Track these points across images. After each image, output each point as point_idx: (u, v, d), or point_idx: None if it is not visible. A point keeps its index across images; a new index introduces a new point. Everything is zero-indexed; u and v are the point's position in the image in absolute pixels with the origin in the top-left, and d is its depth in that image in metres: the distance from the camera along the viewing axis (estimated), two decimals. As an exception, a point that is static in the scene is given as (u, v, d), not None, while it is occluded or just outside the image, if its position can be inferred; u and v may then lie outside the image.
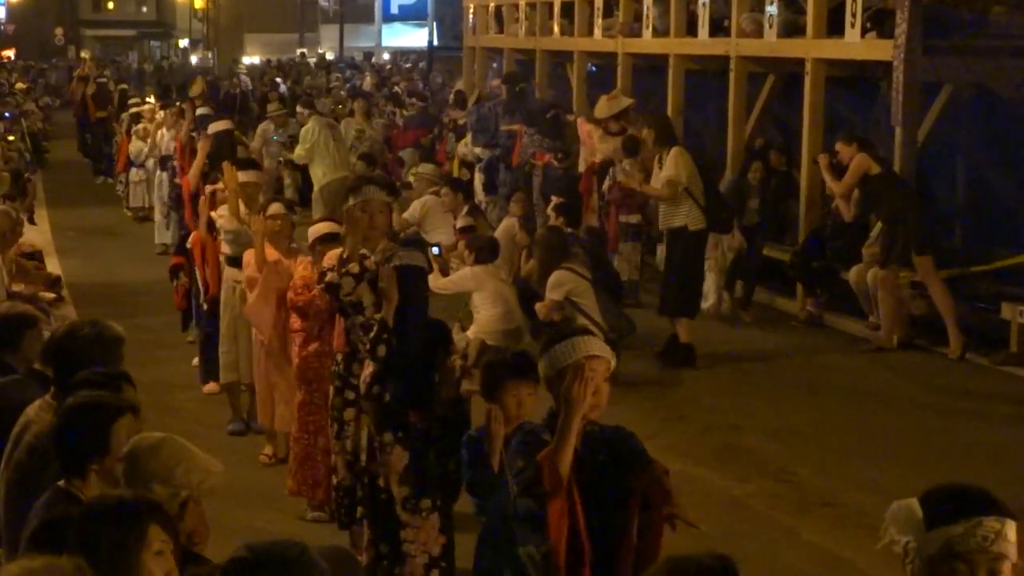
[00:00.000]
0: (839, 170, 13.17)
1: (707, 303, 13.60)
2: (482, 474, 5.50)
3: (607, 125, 15.92)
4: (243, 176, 10.45)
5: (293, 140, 19.85)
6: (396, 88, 30.02)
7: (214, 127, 14.48)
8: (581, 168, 15.75)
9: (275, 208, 9.42)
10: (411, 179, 16.71)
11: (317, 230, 8.63)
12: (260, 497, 8.81)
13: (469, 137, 19.06)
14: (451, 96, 23.15)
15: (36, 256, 12.66)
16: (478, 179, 18.41)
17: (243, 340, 10.02)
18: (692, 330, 12.36)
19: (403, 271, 6.71)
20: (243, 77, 37.01)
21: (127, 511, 3.97)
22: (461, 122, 20.51)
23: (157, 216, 18.33)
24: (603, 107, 16.13)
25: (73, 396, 4.93)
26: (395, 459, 6.70)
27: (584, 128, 16.34)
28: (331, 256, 7.70)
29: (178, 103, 19.41)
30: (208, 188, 11.59)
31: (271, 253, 9.23)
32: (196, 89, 19.25)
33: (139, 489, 4.37)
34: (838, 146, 13.22)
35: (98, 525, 3.94)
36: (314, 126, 18.24)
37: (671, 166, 12.23)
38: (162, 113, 19.55)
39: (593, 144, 15.86)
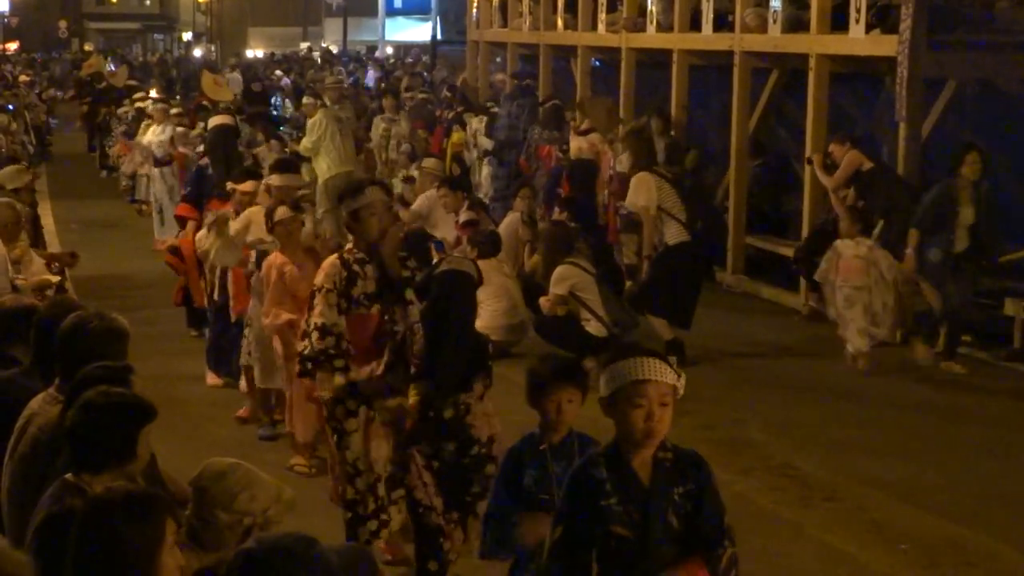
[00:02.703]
0: (834, 170, 13.30)
1: (852, 346, 11.93)
2: (506, 523, 5.42)
3: (575, 125, 16.10)
4: (278, 179, 10.28)
5: (299, 132, 19.89)
6: (385, 84, 29.87)
7: (214, 121, 14.49)
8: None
9: (281, 212, 9.20)
10: (414, 173, 16.74)
11: None
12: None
13: (477, 127, 19.07)
14: (445, 90, 23.24)
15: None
16: (486, 170, 18.44)
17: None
18: (665, 327, 12.29)
19: (450, 276, 6.52)
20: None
21: (144, 509, 3.89)
22: (450, 116, 20.62)
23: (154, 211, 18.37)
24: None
25: (95, 392, 4.82)
26: (428, 471, 6.55)
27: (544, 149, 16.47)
28: (326, 267, 7.39)
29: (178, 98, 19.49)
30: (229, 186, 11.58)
31: (279, 258, 9.12)
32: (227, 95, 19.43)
33: (203, 514, 4.36)
34: (832, 147, 13.47)
35: (118, 525, 3.84)
36: (321, 118, 18.22)
37: (631, 195, 12.32)
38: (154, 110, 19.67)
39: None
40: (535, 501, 5.46)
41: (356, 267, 7.28)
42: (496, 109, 19.06)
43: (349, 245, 7.51)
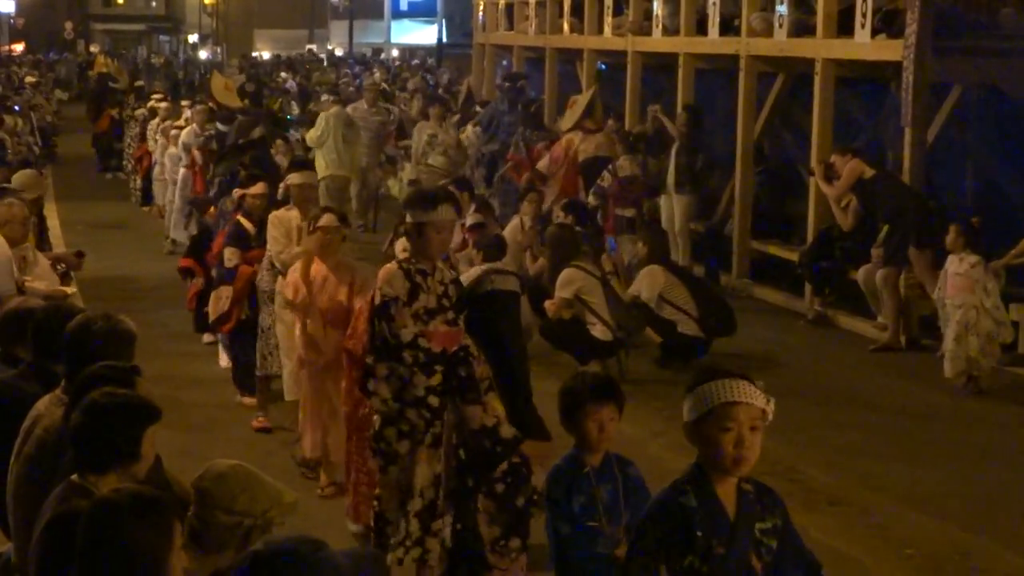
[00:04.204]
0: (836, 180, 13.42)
1: (953, 369, 11.37)
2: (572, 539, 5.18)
3: (583, 125, 16.10)
4: (297, 178, 10.00)
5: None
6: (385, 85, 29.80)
7: (258, 132, 14.47)
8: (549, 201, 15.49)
9: (327, 219, 8.89)
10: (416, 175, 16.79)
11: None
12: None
13: (472, 128, 19.19)
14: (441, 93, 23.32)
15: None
16: (478, 173, 18.53)
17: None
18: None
19: (495, 297, 6.19)
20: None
21: (156, 512, 3.89)
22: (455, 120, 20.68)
23: (171, 213, 18.29)
24: (567, 119, 16.47)
25: (100, 393, 4.81)
26: (489, 498, 6.22)
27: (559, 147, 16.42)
28: (389, 276, 6.96)
29: (194, 100, 19.49)
30: (237, 192, 11.51)
31: (318, 270, 8.88)
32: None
33: (204, 516, 4.36)
34: (833, 157, 13.56)
35: (131, 528, 3.84)
36: (330, 117, 18.32)
37: (635, 283, 12.32)
38: (189, 111, 19.59)
39: (572, 153, 16.01)
40: (583, 529, 5.20)
41: (418, 278, 6.91)
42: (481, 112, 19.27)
43: (407, 254, 7.21)
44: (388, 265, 7.11)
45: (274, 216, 10.01)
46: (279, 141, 17.55)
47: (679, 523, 4.08)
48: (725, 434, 4.06)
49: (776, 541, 4.17)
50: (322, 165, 18.04)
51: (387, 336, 6.75)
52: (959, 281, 11.30)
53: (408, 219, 7.04)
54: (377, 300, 6.92)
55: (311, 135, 18.40)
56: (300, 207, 9.82)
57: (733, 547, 4.09)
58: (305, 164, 10.72)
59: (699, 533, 4.07)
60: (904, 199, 12.89)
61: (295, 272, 8.98)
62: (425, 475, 6.63)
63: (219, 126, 17.48)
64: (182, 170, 17.68)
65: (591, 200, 15.21)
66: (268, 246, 10.01)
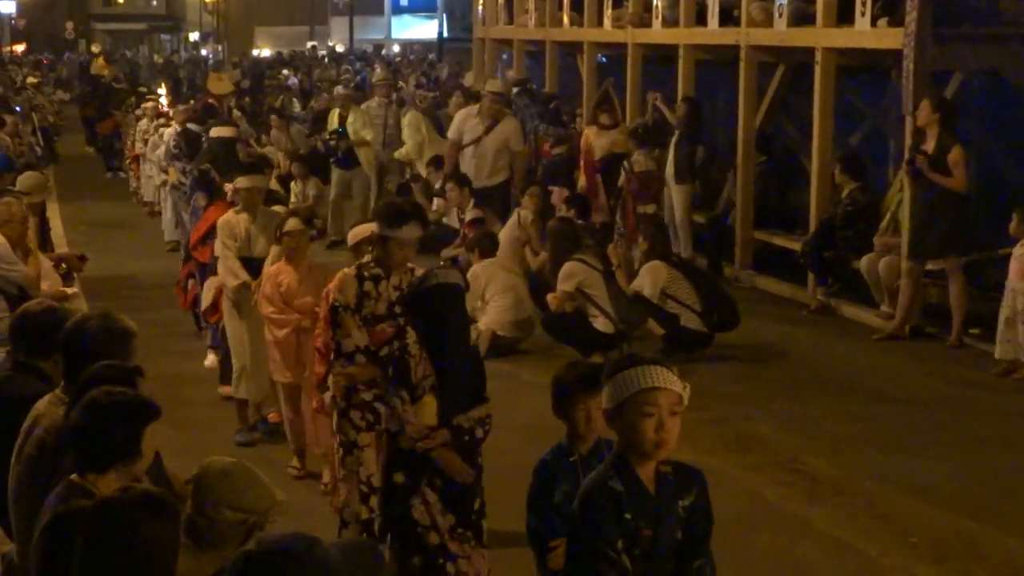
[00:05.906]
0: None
1: (999, 352, 11.47)
2: (549, 523, 5.29)
3: (600, 120, 16.05)
4: (245, 182, 9.94)
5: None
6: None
7: (215, 132, 14.41)
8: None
9: (292, 224, 8.98)
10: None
11: (358, 233, 8.23)
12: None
13: None
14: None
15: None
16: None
17: (255, 353, 9.72)
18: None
19: (440, 290, 6.18)
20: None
21: (166, 513, 3.91)
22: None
23: (166, 213, 18.29)
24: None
25: (99, 392, 4.79)
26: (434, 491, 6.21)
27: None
28: (342, 283, 7.32)
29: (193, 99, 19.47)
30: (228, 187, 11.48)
31: (278, 267, 8.98)
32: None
33: (208, 512, 4.36)
34: (922, 105, 12.46)
35: (142, 530, 3.85)
36: (415, 121, 18.50)
37: (638, 280, 12.29)
38: (170, 109, 19.61)
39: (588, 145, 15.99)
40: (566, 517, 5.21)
41: (369, 283, 7.23)
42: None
43: (367, 258, 7.43)
44: (345, 270, 7.40)
45: (223, 220, 10.05)
46: (274, 132, 17.57)
47: (610, 506, 4.17)
48: (646, 419, 4.16)
49: (690, 515, 4.29)
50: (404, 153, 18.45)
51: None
52: (1015, 266, 11.34)
53: (375, 229, 7.32)
54: (329, 303, 7.35)
55: (408, 150, 18.45)
56: (248, 211, 9.90)
57: (660, 528, 4.21)
58: (255, 167, 10.60)
59: (628, 516, 4.17)
60: (946, 197, 12.45)
61: (265, 286, 9.03)
62: (376, 463, 6.99)
63: (190, 127, 17.15)
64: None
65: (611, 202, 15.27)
66: (216, 251, 10.11)
